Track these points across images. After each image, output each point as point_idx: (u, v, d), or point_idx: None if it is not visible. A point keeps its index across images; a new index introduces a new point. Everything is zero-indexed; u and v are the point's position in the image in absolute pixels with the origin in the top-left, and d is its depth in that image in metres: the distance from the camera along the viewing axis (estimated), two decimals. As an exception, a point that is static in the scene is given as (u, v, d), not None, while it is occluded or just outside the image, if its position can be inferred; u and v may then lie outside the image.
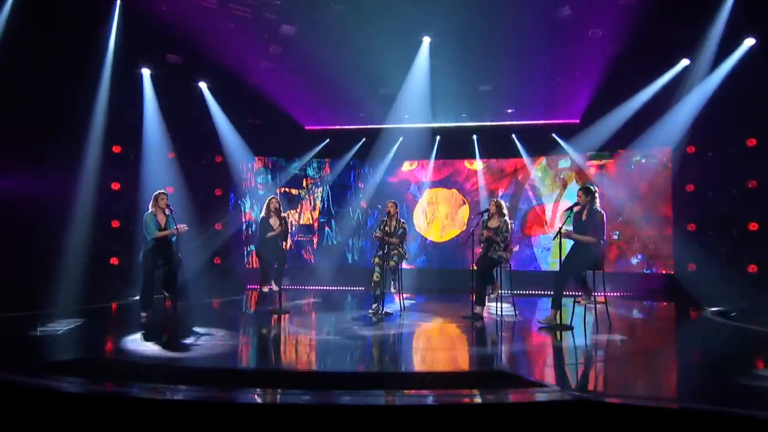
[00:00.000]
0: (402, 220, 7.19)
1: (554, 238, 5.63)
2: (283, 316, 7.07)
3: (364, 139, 11.64)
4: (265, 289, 7.27)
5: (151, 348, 5.08)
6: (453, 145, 11.42)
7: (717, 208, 9.31)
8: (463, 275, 11.03)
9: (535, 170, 11.29)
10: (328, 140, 11.72)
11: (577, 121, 10.81)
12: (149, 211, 6.58)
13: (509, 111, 10.60)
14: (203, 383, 3.71)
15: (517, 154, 11.24)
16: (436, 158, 11.73)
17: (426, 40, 8.99)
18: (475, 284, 6.58)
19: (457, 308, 8.14)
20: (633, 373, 4.47)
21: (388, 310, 7.05)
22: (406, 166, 12.00)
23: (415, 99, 10.18)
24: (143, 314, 6.46)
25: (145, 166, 9.97)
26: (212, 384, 3.71)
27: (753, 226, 8.92)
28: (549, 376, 4.44)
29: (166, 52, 8.96)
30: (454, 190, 11.82)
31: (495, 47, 8.77)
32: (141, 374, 4.01)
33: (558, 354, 5.16)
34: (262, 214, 7.37)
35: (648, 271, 10.39)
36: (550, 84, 9.67)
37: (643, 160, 10.53)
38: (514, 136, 11.13)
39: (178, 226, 6.49)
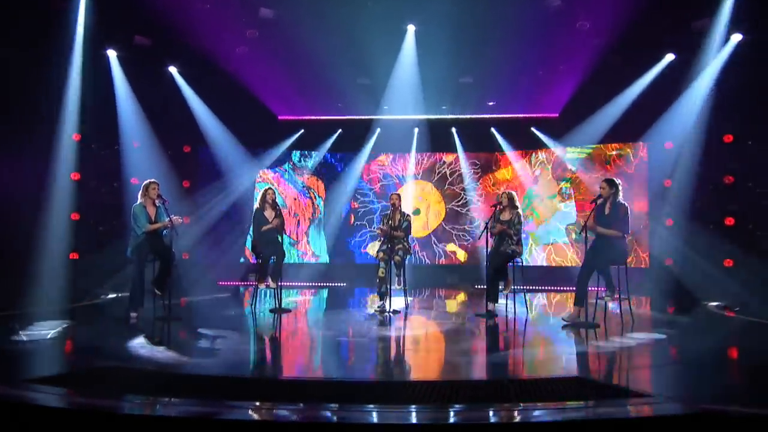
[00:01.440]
0: (406, 212, 6.92)
1: (580, 233, 5.47)
2: (283, 314, 6.71)
3: (340, 130, 11.31)
4: (262, 286, 6.90)
5: (165, 355, 4.62)
6: (432, 138, 11.22)
7: (694, 203, 9.40)
8: (447, 270, 11.16)
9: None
10: (302, 131, 11.32)
11: (556, 115, 10.80)
12: (138, 202, 6.11)
13: (490, 103, 10.45)
14: (228, 394, 3.33)
15: (497, 148, 11.15)
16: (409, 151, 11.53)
17: (411, 29, 8.69)
18: (487, 280, 6.36)
19: (461, 305, 7.97)
20: (718, 377, 4.04)
21: (395, 308, 6.74)
22: (382, 159, 11.74)
23: (396, 90, 9.92)
24: (133, 315, 5.98)
25: (110, 156, 9.39)
26: (235, 395, 3.32)
27: (729, 221, 9.08)
28: (639, 383, 3.99)
29: (134, 33, 8.37)
30: (430, 184, 11.64)
31: (480, 37, 8.56)
32: (160, 385, 3.57)
33: (619, 356, 4.77)
34: (257, 205, 6.97)
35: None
36: (533, 77, 9.56)
37: (620, 155, 10.59)
38: (493, 129, 11.03)
39: (172, 218, 6.02)
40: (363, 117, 11.16)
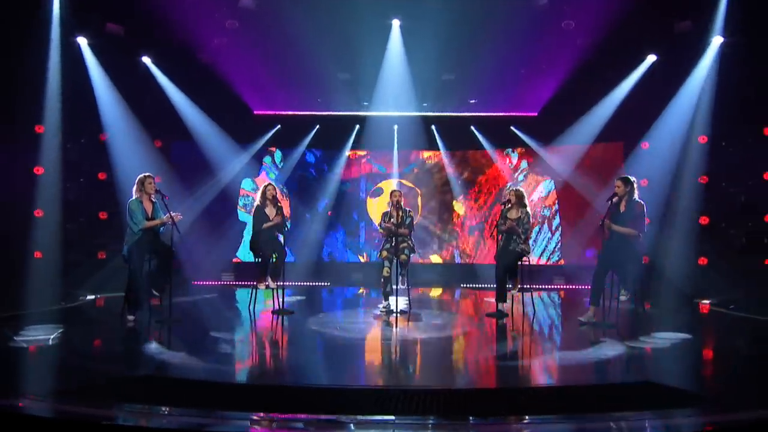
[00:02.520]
0: (409, 209, 6.76)
1: (601, 231, 5.42)
2: (285, 316, 6.47)
3: (318, 126, 11.07)
4: (262, 286, 6.62)
5: (193, 362, 4.35)
6: (412, 136, 11.10)
7: (670, 202, 9.58)
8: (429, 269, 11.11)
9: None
10: (279, 126, 11.02)
11: (535, 113, 10.84)
12: (134, 197, 5.77)
13: (472, 102, 10.40)
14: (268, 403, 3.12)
15: (477, 146, 11.13)
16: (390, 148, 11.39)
17: (396, 24, 8.54)
18: (497, 279, 6.24)
19: (461, 304, 7.78)
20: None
21: (401, 308, 6.55)
22: (359, 155, 11.55)
23: (377, 86, 9.77)
24: (130, 318, 5.65)
25: (75, 150, 8.92)
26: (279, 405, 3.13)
27: (704, 220, 9.29)
28: (709, 386, 3.82)
29: (106, 20, 7.94)
30: (408, 182, 11.54)
31: (465, 34, 8.49)
32: (191, 395, 3.34)
33: (665, 357, 4.66)
34: (257, 202, 6.67)
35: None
36: (515, 75, 9.54)
37: (598, 154, 10.71)
38: (473, 127, 11.00)
39: (171, 215, 5.69)
40: (342, 113, 10.95)
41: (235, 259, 11.00)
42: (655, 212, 9.72)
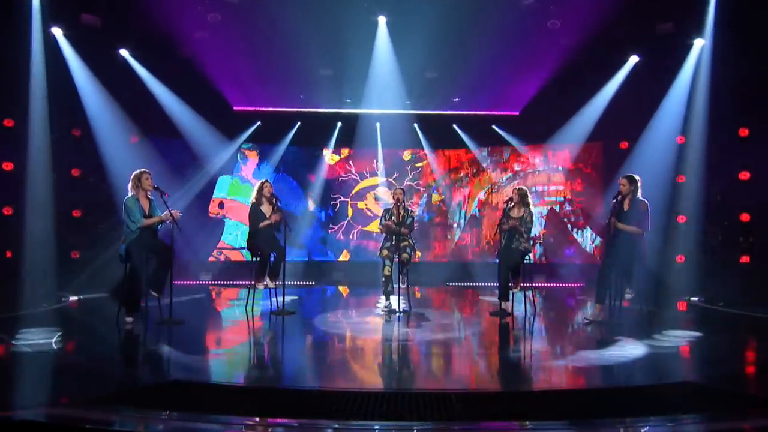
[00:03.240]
0: (410, 208, 6.69)
1: (607, 230, 5.43)
2: (285, 317, 6.33)
3: (299, 123, 10.91)
4: (260, 286, 6.44)
5: (216, 367, 4.26)
6: (394, 134, 11.04)
7: (649, 202, 9.74)
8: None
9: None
10: (259, 123, 10.82)
11: (517, 113, 10.90)
12: (130, 194, 5.57)
13: (455, 100, 10.39)
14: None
15: (460, 145, 11.14)
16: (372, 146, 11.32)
17: (382, 20, 8.45)
18: (500, 278, 6.22)
19: (460, 303, 7.92)
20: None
21: (403, 308, 6.48)
22: (341, 153, 11.44)
23: (360, 83, 9.68)
24: (128, 320, 5.44)
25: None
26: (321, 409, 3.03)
27: (681, 219, 9.48)
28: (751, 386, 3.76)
29: (81, 11, 7.65)
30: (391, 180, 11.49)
31: (450, 31, 8.45)
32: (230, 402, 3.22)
33: (696, 356, 4.62)
34: (252, 200, 6.49)
35: (579, 262, 10.73)
36: (499, 74, 9.55)
37: (577, 154, 10.84)
38: (455, 126, 11.00)
39: (171, 212, 5.51)
40: (325, 110, 10.82)
41: (210, 259, 10.79)
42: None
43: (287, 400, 3.32)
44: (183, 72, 9.12)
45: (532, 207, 6.37)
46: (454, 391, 3.39)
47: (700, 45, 7.87)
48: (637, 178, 5.77)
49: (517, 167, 11.15)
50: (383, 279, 6.44)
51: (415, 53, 8.87)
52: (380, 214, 6.91)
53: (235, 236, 10.93)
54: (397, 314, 6.29)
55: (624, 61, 8.85)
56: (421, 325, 5.92)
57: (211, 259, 10.79)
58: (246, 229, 10.25)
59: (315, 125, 10.91)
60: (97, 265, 8.44)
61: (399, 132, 10.80)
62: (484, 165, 11.26)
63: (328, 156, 11.28)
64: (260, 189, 6.47)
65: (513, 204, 6.34)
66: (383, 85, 9.63)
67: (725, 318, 6.80)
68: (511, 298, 6.38)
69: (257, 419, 2.90)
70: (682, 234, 9.37)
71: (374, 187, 11.42)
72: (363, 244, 11.42)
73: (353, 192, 11.44)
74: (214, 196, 10.83)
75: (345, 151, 11.40)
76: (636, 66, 8.83)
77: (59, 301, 7.25)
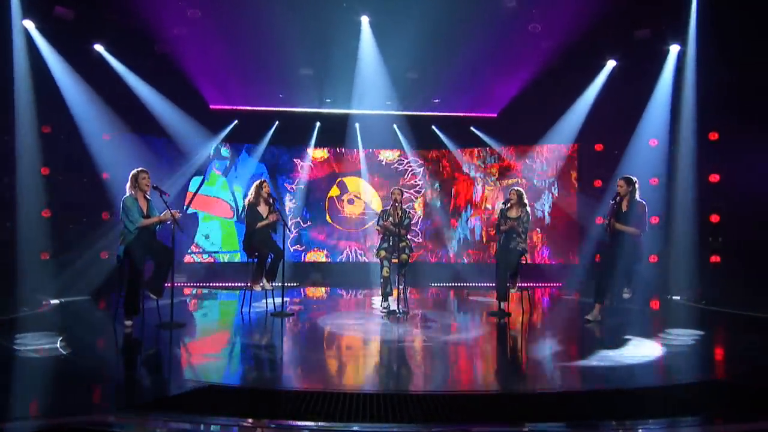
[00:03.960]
0: (408, 209, 6.66)
1: (606, 230, 5.49)
2: (285, 318, 6.22)
3: (277, 122, 10.78)
4: (257, 288, 6.30)
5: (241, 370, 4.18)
6: (375, 134, 11.02)
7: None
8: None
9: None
10: (236, 122, 10.64)
11: (495, 115, 11.02)
12: (128, 194, 5.40)
13: (435, 101, 10.43)
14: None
15: (440, 146, 11.20)
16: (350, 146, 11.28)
17: (365, 20, 8.42)
18: (498, 279, 6.24)
19: (457, 304, 7.91)
20: None
21: (401, 309, 6.43)
22: (319, 154, 11.36)
23: (341, 82, 9.63)
24: (128, 323, 5.27)
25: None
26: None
27: (654, 220, 9.74)
28: None
29: (55, 3, 7.38)
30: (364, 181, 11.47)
31: (432, 32, 8.47)
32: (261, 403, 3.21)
33: (709, 354, 4.65)
34: (250, 200, 6.36)
35: (555, 263, 10.92)
36: (479, 76, 9.63)
37: (553, 155, 11.02)
38: (434, 127, 11.05)
39: (172, 212, 5.39)
40: (304, 110, 10.73)
41: (187, 259, 10.56)
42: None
43: (324, 403, 3.25)
44: (159, 68, 8.91)
45: (528, 207, 6.42)
46: (484, 393, 3.45)
47: (676, 51, 8.10)
48: (634, 179, 5.87)
49: (494, 169, 11.27)
50: (381, 280, 6.42)
51: (397, 54, 8.87)
52: (378, 215, 6.89)
53: (203, 238, 10.72)
54: (398, 315, 6.25)
55: (602, 66, 9.04)
56: (428, 326, 5.90)
57: (188, 259, 10.55)
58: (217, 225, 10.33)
59: (294, 125, 10.79)
60: (76, 267, 8.18)
61: (379, 132, 10.79)
62: (464, 166, 11.35)
63: (309, 156, 11.18)
64: (258, 189, 6.37)
65: (511, 205, 6.40)
66: (364, 85, 9.61)
67: (719, 316, 6.89)
68: (509, 298, 6.45)
69: (304, 423, 2.88)
70: (656, 234, 9.66)
71: (352, 186, 11.38)
72: (341, 246, 11.36)
73: (330, 193, 11.37)
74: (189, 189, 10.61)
75: (323, 152, 11.32)
76: (614, 70, 9.02)
77: (40, 305, 6.95)
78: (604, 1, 7.52)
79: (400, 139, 11.07)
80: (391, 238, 6.50)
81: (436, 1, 7.89)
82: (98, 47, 8.34)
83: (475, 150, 11.31)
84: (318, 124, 10.93)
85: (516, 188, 6.53)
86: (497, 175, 11.30)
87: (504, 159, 11.19)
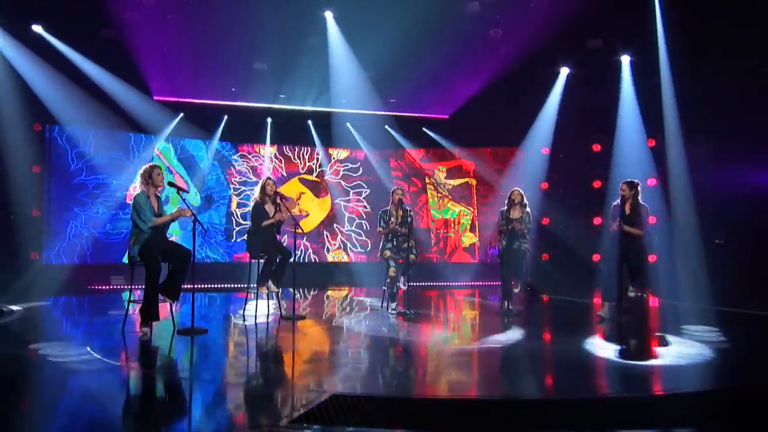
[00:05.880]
0: (410, 209, 6.54)
1: (619, 231, 5.66)
2: (297, 321, 5.96)
3: (226, 116, 10.35)
4: (263, 290, 5.96)
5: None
6: (324, 132, 10.87)
7: (567, 204, 10.48)
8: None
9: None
10: (182, 114, 10.09)
11: (446, 116, 11.20)
12: (140, 190, 4.99)
13: (392, 100, 10.43)
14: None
15: (393, 145, 11.22)
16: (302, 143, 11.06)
17: (329, 15, 8.27)
18: (503, 279, 6.30)
19: (454, 304, 7.94)
20: None
21: (413, 310, 6.32)
22: (271, 151, 11.03)
23: (297, 79, 9.42)
24: (144, 330, 4.87)
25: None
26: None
27: (597, 221, 10.30)
28: None
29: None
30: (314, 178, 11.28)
31: (393, 32, 8.47)
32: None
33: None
34: (256, 198, 5.99)
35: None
36: (435, 77, 9.73)
37: (499, 157, 11.37)
38: (387, 126, 11.06)
39: (189, 208, 5.02)
40: (255, 105, 10.37)
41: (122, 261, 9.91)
42: (554, 212, 10.64)
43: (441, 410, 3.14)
44: (103, 55, 8.29)
45: (528, 208, 6.55)
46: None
47: (627, 61, 8.62)
48: (636, 182, 6.10)
49: (444, 168, 11.46)
50: (388, 280, 6.33)
51: (359, 51, 8.82)
52: (378, 215, 6.77)
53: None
54: (411, 316, 6.16)
55: (556, 73, 9.43)
56: (457, 328, 5.82)
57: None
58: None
59: (244, 120, 10.41)
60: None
61: (334, 130, 10.65)
62: (416, 166, 11.46)
63: (260, 153, 10.82)
64: (263, 187, 6.05)
65: (513, 206, 6.48)
66: (321, 82, 9.45)
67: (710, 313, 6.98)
68: (514, 297, 6.55)
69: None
70: (596, 234, 10.23)
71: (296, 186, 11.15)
72: (289, 244, 11.06)
73: (281, 190, 11.06)
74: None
75: (272, 149, 11.00)
76: (569, 77, 9.44)
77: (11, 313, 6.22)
78: (561, 10, 7.86)
79: (355, 138, 10.98)
80: (395, 238, 6.44)
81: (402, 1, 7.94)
82: (37, 28, 7.63)
83: (424, 150, 11.44)
84: (269, 120, 10.61)
85: (518, 189, 6.64)
86: (446, 173, 11.51)
87: (456, 158, 11.40)
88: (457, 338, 5.44)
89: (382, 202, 11.26)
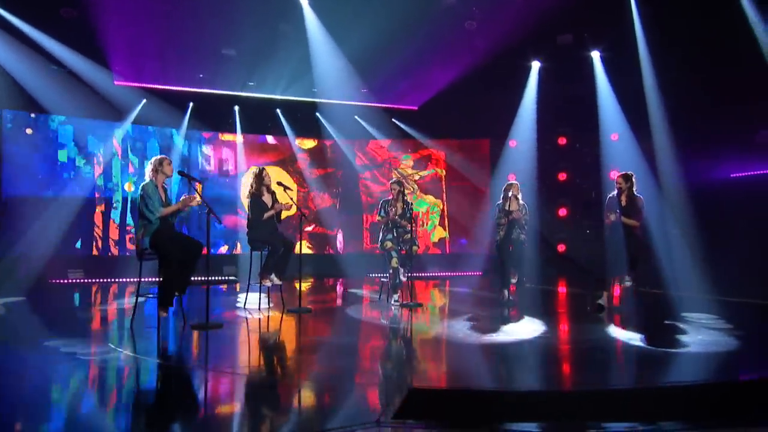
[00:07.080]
0: (410, 201, 6.48)
1: (619, 223, 5.76)
2: (304, 314, 5.80)
3: (191, 103, 10.01)
4: (266, 283, 5.76)
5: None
6: (293, 121, 10.68)
7: (533, 195, 10.70)
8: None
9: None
10: (144, 101, 9.68)
11: (415, 108, 11.21)
12: (148, 179, 4.80)
13: (363, 90, 10.33)
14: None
15: (363, 135, 11.15)
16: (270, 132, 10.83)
17: (304, 2, 8.10)
18: (503, 269, 6.35)
19: (450, 295, 7.95)
20: None
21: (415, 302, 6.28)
22: (238, 139, 10.74)
23: (266, 67, 9.18)
24: (163, 315, 4.81)
25: None
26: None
27: (562, 212, 10.59)
28: None
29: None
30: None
31: (368, 20, 8.39)
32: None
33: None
34: (252, 189, 5.79)
35: (473, 252, 11.40)
36: (407, 68, 9.69)
37: (467, 149, 11.50)
38: (356, 117, 10.97)
39: (189, 197, 4.87)
40: (221, 92, 10.06)
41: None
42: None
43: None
44: (59, 35, 7.86)
45: (521, 200, 6.63)
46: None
47: (597, 56, 8.85)
48: (631, 174, 6.19)
49: (414, 158, 11.51)
50: (391, 271, 6.28)
51: (332, 39, 8.68)
52: (379, 206, 6.64)
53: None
54: (414, 307, 6.16)
55: (528, 67, 9.57)
56: (476, 319, 5.65)
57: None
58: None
59: (210, 108, 10.10)
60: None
61: (301, 119, 10.48)
62: (388, 156, 11.46)
63: (226, 141, 10.54)
64: (260, 178, 5.87)
65: (509, 199, 6.54)
66: (293, 70, 9.26)
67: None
68: (510, 287, 6.62)
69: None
70: (562, 225, 10.54)
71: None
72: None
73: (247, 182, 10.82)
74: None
75: (241, 137, 10.73)
76: (540, 71, 9.61)
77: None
78: (537, 4, 7.98)
79: (325, 127, 10.85)
80: (395, 229, 6.39)
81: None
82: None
83: (391, 141, 11.44)
84: (237, 107, 10.33)
85: (514, 182, 6.72)
86: (413, 164, 11.57)
87: (425, 149, 11.47)
88: (493, 331, 5.19)
89: (349, 193, 11.32)
